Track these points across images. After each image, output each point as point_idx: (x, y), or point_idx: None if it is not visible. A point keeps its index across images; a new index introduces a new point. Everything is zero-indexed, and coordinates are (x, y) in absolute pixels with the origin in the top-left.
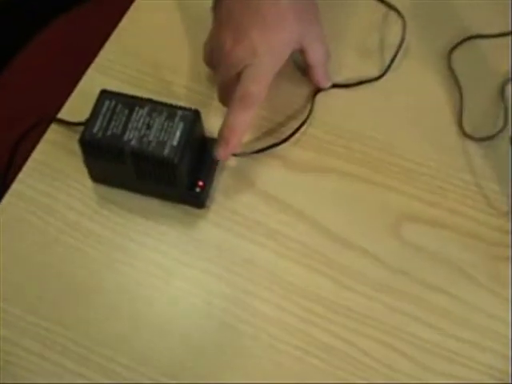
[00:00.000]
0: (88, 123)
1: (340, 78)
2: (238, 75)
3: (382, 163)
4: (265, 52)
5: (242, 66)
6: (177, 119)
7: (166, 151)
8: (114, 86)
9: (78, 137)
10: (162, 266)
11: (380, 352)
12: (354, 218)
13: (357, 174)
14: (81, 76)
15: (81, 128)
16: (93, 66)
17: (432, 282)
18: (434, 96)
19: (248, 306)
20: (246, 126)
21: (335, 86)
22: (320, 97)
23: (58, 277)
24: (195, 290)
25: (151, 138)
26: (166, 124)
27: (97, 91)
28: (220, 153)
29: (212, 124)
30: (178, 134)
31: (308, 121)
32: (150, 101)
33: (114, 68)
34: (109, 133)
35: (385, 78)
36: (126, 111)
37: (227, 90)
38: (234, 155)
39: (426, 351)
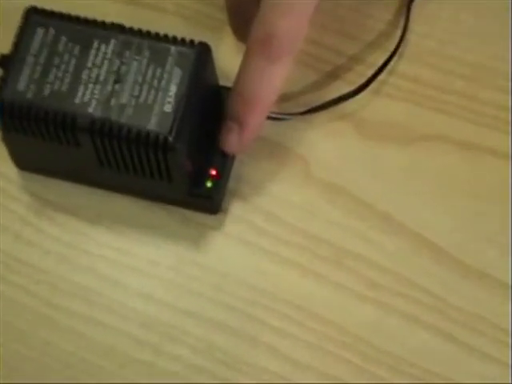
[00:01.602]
0: (7, 74)
1: None
2: None
3: None
4: None
5: None
6: (170, 62)
7: (153, 123)
8: None
9: None
10: (147, 319)
11: None
12: (477, 225)
13: (482, 144)
14: None
15: None
16: None
17: None
18: None
19: None
20: (272, 93)
21: None
22: (417, 8)
23: None
24: (203, 361)
25: (124, 98)
26: (150, 72)
27: (18, 4)
28: (229, 142)
29: (230, 61)
30: (172, 89)
31: (398, 52)
32: (118, 28)
33: None
34: (46, 91)
35: None
36: (77, 49)
37: (241, 14)
38: (271, 118)
39: None
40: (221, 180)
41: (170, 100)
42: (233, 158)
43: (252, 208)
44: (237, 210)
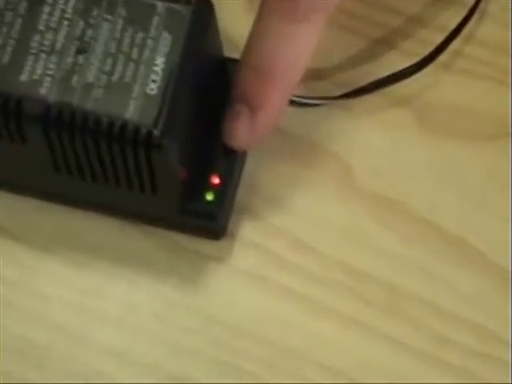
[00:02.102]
0: None
1: None
2: None
3: None
4: None
5: None
6: (155, 25)
7: (132, 110)
8: None
9: None
10: None
11: None
12: None
13: None
14: None
15: None
16: None
17: None
18: None
19: None
20: (297, 66)
21: None
22: None
23: None
24: None
25: (91, 76)
26: (127, 38)
27: None
28: (237, 133)
29: (239, 23)
30: (159, 63)
31: (477, 10)
32: None
33: None
34: None
35: None
36: (24, 5)
37: None
38: (295, 104)
39: None
40: (226, 191)
41: (156, 78)
42: (242, 159)
43: (270, 231)
44: (248, 234)
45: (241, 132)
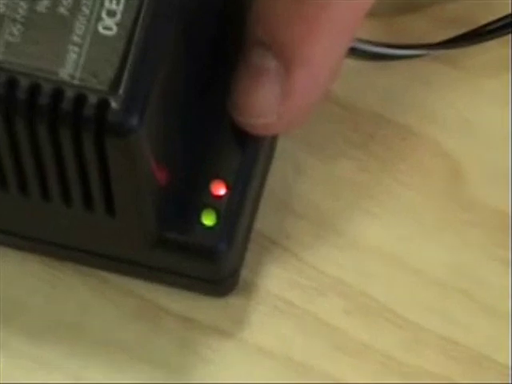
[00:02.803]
0: None
1: None
2: None
3: None
4: None
5: None
6: None
7: (73, 64)
8: None
9: None
10: None
11: None
12: None
13: None
14: None
15: None
16: None
17: None
18: None
19: None
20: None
21: None
22: None
23: None
24: None
25: (1, 3)
26: None
27: None
28: (259, 104)
29: None
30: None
31: None
32: None
33: None
34: None
35: None
36: None
37: None
38: (361, 55)
39: None
40: (236, 210)
41: (115, 7)
42: (266, 153)
43: (315, 282)
44: (276, 287)
45: (266, 102)
